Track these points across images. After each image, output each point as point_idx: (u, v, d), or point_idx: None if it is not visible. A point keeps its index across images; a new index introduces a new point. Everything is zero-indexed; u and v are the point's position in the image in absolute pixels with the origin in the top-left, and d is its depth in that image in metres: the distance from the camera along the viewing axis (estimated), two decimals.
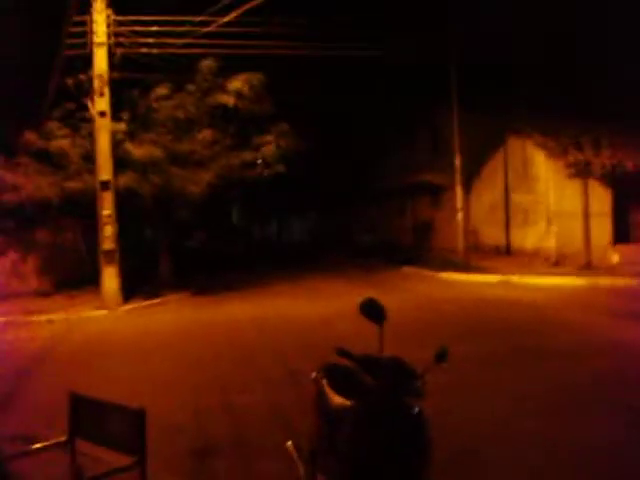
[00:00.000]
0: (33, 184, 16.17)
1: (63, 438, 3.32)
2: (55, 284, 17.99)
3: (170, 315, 14.25)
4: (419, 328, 10.68)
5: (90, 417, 3.31)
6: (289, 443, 4.40)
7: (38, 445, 3.26)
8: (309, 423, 4.05)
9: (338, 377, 3.90)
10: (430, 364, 3.10)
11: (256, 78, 16.61)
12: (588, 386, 6.87)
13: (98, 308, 14.96)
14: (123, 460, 2.99)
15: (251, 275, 21.71)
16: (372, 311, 3.33)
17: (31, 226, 18.42)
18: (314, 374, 4.16)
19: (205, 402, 6.90)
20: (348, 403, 3.49)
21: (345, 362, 3.99)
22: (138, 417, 3.01)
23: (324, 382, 3.90)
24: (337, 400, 3.62)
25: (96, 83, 15.22)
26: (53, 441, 3.34)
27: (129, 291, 15.89)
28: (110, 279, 15.32)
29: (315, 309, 13.63)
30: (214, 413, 6.53)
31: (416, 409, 3.00)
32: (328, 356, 8.09)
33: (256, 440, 5.68)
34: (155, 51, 15.92)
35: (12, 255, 17.97)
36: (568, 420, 5.80)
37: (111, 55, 15.38)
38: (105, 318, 14.31)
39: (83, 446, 3.30)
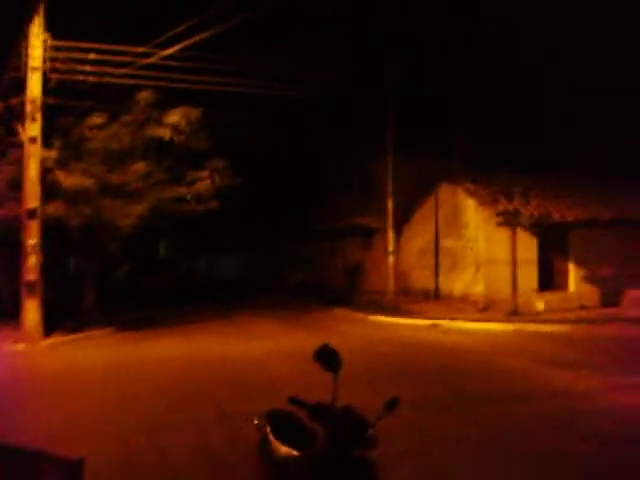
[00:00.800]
0: None
1: None
2: None
3: (94, 351, 13.75)
4: (356, 371, 10.55)
5: (18, 469, 3.04)
6: None
7: None
8: (252, 471, 3.87)
9: (282, 425, 3.77)
10: (381, 413, 3.02)
11: (193, 113, 16.51)
12: (519, 432, 6.90)
13: (17, 342, 14.31)
14: None
15: (179, 311, 21.25)
16: (327, 359, 3.22)
17: None
18: (256, 420, 4.00)
19: (134, 444, 6.60)
20: (294, 453, 3.36)
21: (289, 409, 3.87)
22: (76, 469, 2.77)
23: (268, 429, 3.75)
24: (283, 450, 3.48)
25: (28, 108, 14.78)
26: None
27: (51, 324, 15.26)
28: (31, 311, 14.68)
29: (246, 349, 13.38)
30: (143, 456, 6.24)
31: (368, 462, 2.90)
32: (261, 399, 7.94)
33: None
34: (92, 79, 15.57)
35: None
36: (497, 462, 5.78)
37: (46, 80, 14.99)
38: (25, 353, 13.71)
39: None
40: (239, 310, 21.33)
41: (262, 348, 13.35)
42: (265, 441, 3.72)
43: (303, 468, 3.06)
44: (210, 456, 6.21)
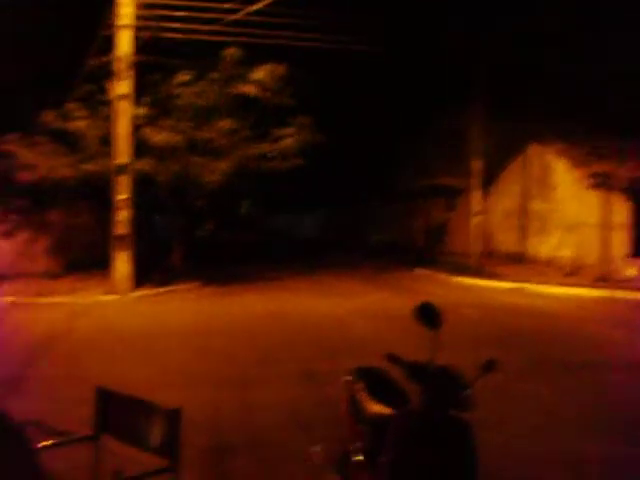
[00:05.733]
0: (48, 164, 16.04)
1: (88, 432, 3.14)
2: (66, 266, 17.88)
3: (181, 305, 14.10)
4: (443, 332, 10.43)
5: (119, 414, 3.13)
6: (316, 448, 4.21)
7: (63, 438, 3.08)
8: (344, 429, 3.84)
9: (373, 383, 3.71)
10: (478, 374, 2.92)
11: (279, 69, 16.42)
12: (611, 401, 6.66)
13: (108, 293, 14.83)
14: (152, 460, 2.82)
15: (262, 268, 21.52)
16: (428, 315, 3.13)
17: (44, 207, 18.28)
18: (345, 377, 3.97)
19: (224, 398, 6.71)
20: (387, 412, 3.30)
21: (378, 366, 3.81)
22: (173, 418, 2.82)
23: (359, 387, 3.70)
24: (375, 408, 3.42)
25: (118, 66, 15.05)
26: (78, 435, 3.17)
27: (140, 277, 15.73)
28: (122, 264, 15.18)
29: (328, 307, 13.41)
30: (233, 410, 6.35)
31: (464, 423, 2.82)
32: (344, 357, 7.96)
33: (276, 441, 5.48)
34: (180, 36, 15.70)
35: (23, 235, 17.84)
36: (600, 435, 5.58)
37: (135, 38, 15.20)
38: (115, 303, 14.17)
39: (109, 442, 3.13)
40: (320, 268, 21.43)
41: (344, 306, 13.37)
42: (355, 399, 3.68)
43: (397, 427, 2.99)
44: (295, 411, 6.26)
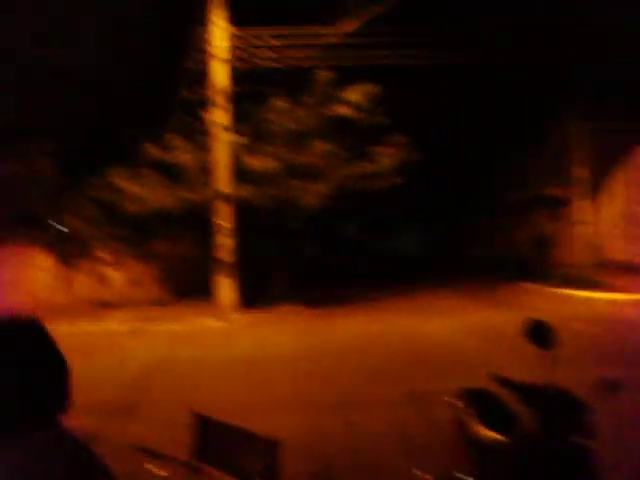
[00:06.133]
0: (153, 195, 16.59)
1: (184, 458, 3.12)
2: (173, 293, 18.40)
3: (286, 327, 14.16)
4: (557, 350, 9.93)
5: (217, 442, 3.08)
6: (421, 472, 4.04)
7: (162, 462, 3.07)
8: (451, 454, 3.66)
9: (483, 405, 3.52)
10: (602, 396, 2.70)
11: (372, 89, 16.37)
12: None
13: (213, 318, 15.10)
14: None
15: (363, 288, 21.38)
16: (540, 334, 2.94)
17: (150, 236, 18.94)
18: (450, 399, 3.79)
19: (328, 422, 6.62)
20: (498, 437, 3.11)
21: (486, 388, 3.61)
22: (273, 449, 2.75)
23: (468, 410, 3.52)
24: (485, 433, 3.24)
25: (216, 97, 15.46)
26: (176, 461, 3.14)
27: (244, 302, 15.96)
28: (226, 290, 15.47)
29: (431, 326, 13.11)
30: (337, 434, 6.24)
31: (587, 451, 2.60)
32: (450, 377, 7.71)
33: (381, 466, 5.32)
34: (275, 65, 15.95)
35: (132, 264, 18.54)
36: None
37: (231, 70, 15.57)
38: (220, 329, 14.42)
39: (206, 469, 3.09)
40: (421, 286, 21.08)
41: (448, 325, 13.05)
42: (463, 422, 3.50)
43: (511, 454, 2.81)
44: (401, 435, 6.08)
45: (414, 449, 5.63)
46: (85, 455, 1.28)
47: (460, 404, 3.65)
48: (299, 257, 20.85)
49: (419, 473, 4.05)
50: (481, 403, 3.54)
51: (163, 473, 2.94)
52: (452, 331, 12.26)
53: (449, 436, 3.77)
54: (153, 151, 16.64)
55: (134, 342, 12.74)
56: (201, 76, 15.90)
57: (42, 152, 18.72)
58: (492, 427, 3.25)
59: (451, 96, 26.67)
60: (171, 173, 17.13)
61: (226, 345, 12.43)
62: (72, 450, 1.26)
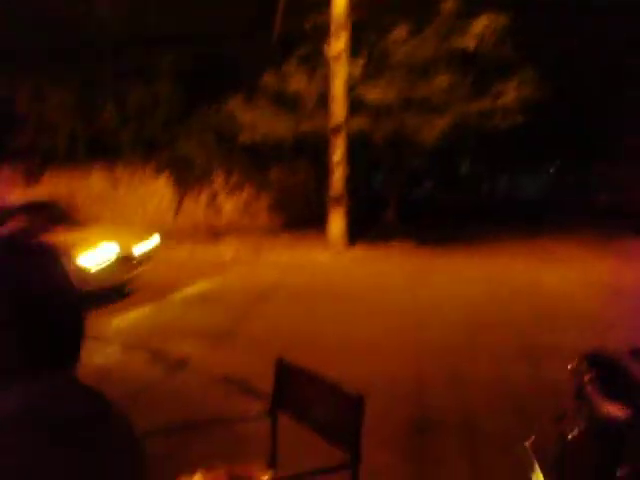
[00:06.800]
0: (268, 125, 16.52)
1: (264, 408, 2.97)
2: (284, 223, 18.50)
3: (395, 264, 13.83)
4: None
5: (297, 390, 2.90)
6: (528, 443, 3.69)
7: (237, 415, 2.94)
8: (564, 425, 3.28)
9: (609, 375, 3.09)
10: None
11: (500, 20, 15.37)
12: None
13: (323, 250, 15.06)
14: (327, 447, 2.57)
15: (480, 229, 20.59)
16: None
17: (264, 166, 19.01)
18: (572, 364, 3.39)
19: (431, 369, 6.38)
20: (624, 413, 2.72)
21: (614, 354, 3.20)
22: (356, 405, 2.50)
23: (590, 378, 3.11)
24: (607, 408, 2.85)
25: (333, 25, 15.00)
26: (254, 412, 3.02)
27: (355, 235, 15.81)
28: (336, 223, 15.37)
29: (550, 275, 12.28)
30: (437, 385, 5.98)
31: None
32: (565, 332, 7.27)
33: (485, 424, 5.02)
34: None
35: (246, 192, 18.73)
36: None
37: None
38: (329, 261, 14.32)
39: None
40: (541, 231, 20.08)
41: (566, 275, 12.26)
42: (583, 393, 3.11)
43: (633, 436, 2.44)
44: (508, 391, 5.74)
45: (521, 408, 5.29)
46: (102, 400, 1.11)
47: (582, 371, 3.25)
48: (413, 193, 20.43)
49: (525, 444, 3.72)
50: (607, 372, 3.13)
51: None
52: (570, 281, 11.53)
53: (565, 407, 3.38)
54: (271, 80, 16.48)
55: (242, 271, 12.90)
56: (321, 4, 15.43)
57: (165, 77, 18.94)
58: (617, 401, 2.86)
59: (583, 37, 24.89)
60: (288, 103, 16.95)
61: (332, 277, 12.34)
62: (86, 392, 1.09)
